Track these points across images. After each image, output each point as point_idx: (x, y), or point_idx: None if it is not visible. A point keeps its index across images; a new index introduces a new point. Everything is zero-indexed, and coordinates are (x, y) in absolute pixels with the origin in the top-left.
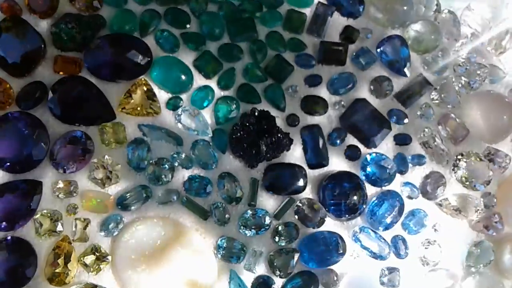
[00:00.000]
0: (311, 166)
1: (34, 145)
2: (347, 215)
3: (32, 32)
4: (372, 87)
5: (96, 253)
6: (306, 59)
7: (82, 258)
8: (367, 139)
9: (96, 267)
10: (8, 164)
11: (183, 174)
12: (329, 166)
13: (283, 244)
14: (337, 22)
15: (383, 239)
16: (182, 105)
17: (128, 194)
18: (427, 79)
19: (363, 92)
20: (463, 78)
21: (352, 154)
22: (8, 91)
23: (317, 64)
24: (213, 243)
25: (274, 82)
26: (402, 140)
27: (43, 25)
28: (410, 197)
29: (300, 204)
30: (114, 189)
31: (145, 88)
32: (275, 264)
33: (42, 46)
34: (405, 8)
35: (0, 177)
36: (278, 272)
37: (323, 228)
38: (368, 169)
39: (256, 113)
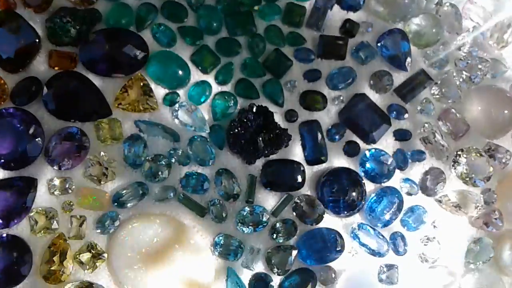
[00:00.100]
0: (310, 162)
1: (29, 141)
2: (345, 212)
3: (27, 26)
4: (372, 82)
5: (92, 251)
6: (305, 54)
7: (78, 256)
8: (367, 135)
9: (92, 265)
10: (3, 161)
11: (180, 171)
12: (328, 162)
13: (281, 241)
14: (337, 15)
15: (382, 236)
16: (179, 100)
17: (124, 191)
18: (427, 74)
19: (363, 87)
20: (464, 72)
21: (351, 150)
22: (3, 87)
23: (316, 58)
24: (210, 240)
25: (272, 77)
26: (401, 135)
27: (37, 19)
28: (409, 194)
29: (298, 201)
30: (110, 186)
31: (141, 83)
32: (272, 261)
33: (37, 40)
34: (406, 1)
35: None
36: (276, 270)
37: (321, 225)
38: (367, 165)
39: (254, 109)
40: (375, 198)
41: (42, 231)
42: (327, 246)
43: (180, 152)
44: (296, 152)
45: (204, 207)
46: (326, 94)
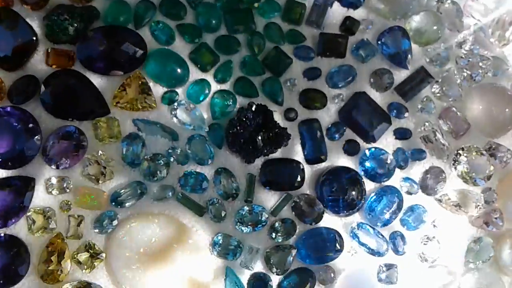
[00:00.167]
0: (309, 161)
1: (27, 140)
2: (345, 211)
3: (24, 24)
4: (372, 80)
5: (90, 251)
6: (305, 52)
7: (75, 256)
8: (366, 134)
9: (90, 265)
10: (0, 160)
11: (179, 170)
12: (328, 161)
13: (280, 240)
14: (337, 13)
15: (381, 235)
16: (178, 99)
17: (123, 191)
18: (428, 72)
19: (363, 85)
20: (465, 70)
21: (351, 148)
22: (0, 85)
23: (316, 56)
24: (209, 239)
25: (272, 75)
26: (402, 134)
27: (35, 17)
28: (409, 193)
29: (298, 200)
30: (108, 185)
31: (140, 82)
32: (271, 261)
33: (34, 38)
34: None
35: None
36: (274, 269)
37: (320, 224)
38: (367, 164)
39: (254, 107)
40: (374, 197)
41: (39, 231)
42: (326, 245)
43: (178, 151)
44: (296, 151)
45: (203, 207)
46: (326, 93)
